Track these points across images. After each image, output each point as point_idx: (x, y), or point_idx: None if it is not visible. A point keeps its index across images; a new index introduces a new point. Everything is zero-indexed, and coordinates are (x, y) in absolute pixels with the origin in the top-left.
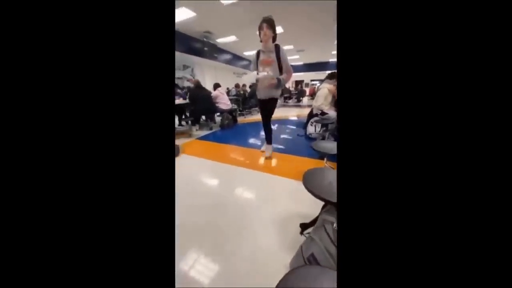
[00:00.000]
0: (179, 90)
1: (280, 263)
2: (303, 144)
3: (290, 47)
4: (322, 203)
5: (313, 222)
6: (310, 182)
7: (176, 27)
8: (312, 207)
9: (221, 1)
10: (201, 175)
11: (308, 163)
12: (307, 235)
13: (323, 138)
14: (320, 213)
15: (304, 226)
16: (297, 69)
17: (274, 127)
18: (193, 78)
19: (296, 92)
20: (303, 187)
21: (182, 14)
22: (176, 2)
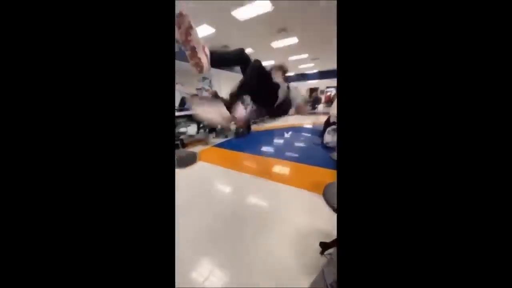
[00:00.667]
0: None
1: (297, 284)
2: (320, 153)
3: (305, 55)
4: None
5: (335, 242)
6: (331, 196)
7: None
8: (331, 222)
9: (238, 18)
10: (216, 183)
11: (326, 174)
12: (328, 256)
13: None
14: None
15: (324, 246)
16: (312, 77)
17: (287, 134)
18: (211, 89)
19: (311, 99)
20: (320, 199)
21: (204, 31)
22: (198, 18)
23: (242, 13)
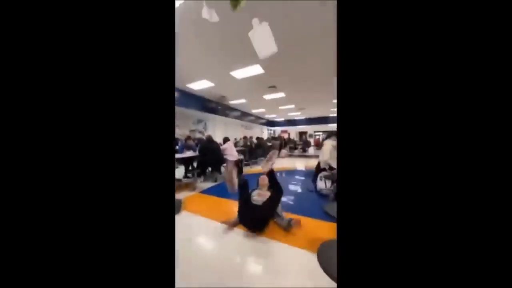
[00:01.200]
0: (191, 143)
1: None
2: (314, 202)
3: (292, 106)
4: None
5: None
6: (325, 259)
7: (197, 93)
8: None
9: (235, 77)
10: (201, 239)
11: (322, 229)
12: None
13: (336, 196)
14: None
15: None
16: (300, 122)
17: (281, 177)
18: (205, 130)
19: (301, 142)
20: (316, 261)
21: (203, 84)
22: (199, 75)
23: (239, 73)
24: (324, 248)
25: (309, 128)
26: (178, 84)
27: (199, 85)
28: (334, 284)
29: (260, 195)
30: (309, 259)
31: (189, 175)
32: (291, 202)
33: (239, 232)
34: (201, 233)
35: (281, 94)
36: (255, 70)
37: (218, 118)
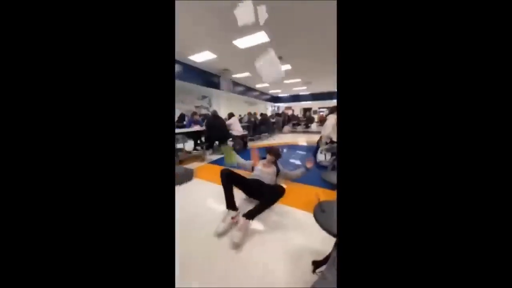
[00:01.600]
0: (197, 118)
1: None
2: (314, 172)
3: (298, 80)
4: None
5: (326, 259)
6: (320, 215)
7: (199, 66)
8: (325, 241)
9: (238, 46)
10: (211, 201)
11: (320, 194)
12: (319, 273)
13: (334, 168)
14: (332, 250)
15: (316, 264)
16: (305, 98)
17: (283, 151)
18: (210, 106)
19: (305, 119)
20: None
21: (205, 56)
22: (201, 46)
23: (242, 42)
24: (318, 208)
25: (313, 104)
26: (178, 56)
27: (201, 57)
28: (325, 234)
29: (264, 166)
30: (307, 219)
31: (198, 148)
32: None
33: (241, 195)
34: (211, 196)
35: (287, 67)
36: (260, 38)
37: (222, 93)
